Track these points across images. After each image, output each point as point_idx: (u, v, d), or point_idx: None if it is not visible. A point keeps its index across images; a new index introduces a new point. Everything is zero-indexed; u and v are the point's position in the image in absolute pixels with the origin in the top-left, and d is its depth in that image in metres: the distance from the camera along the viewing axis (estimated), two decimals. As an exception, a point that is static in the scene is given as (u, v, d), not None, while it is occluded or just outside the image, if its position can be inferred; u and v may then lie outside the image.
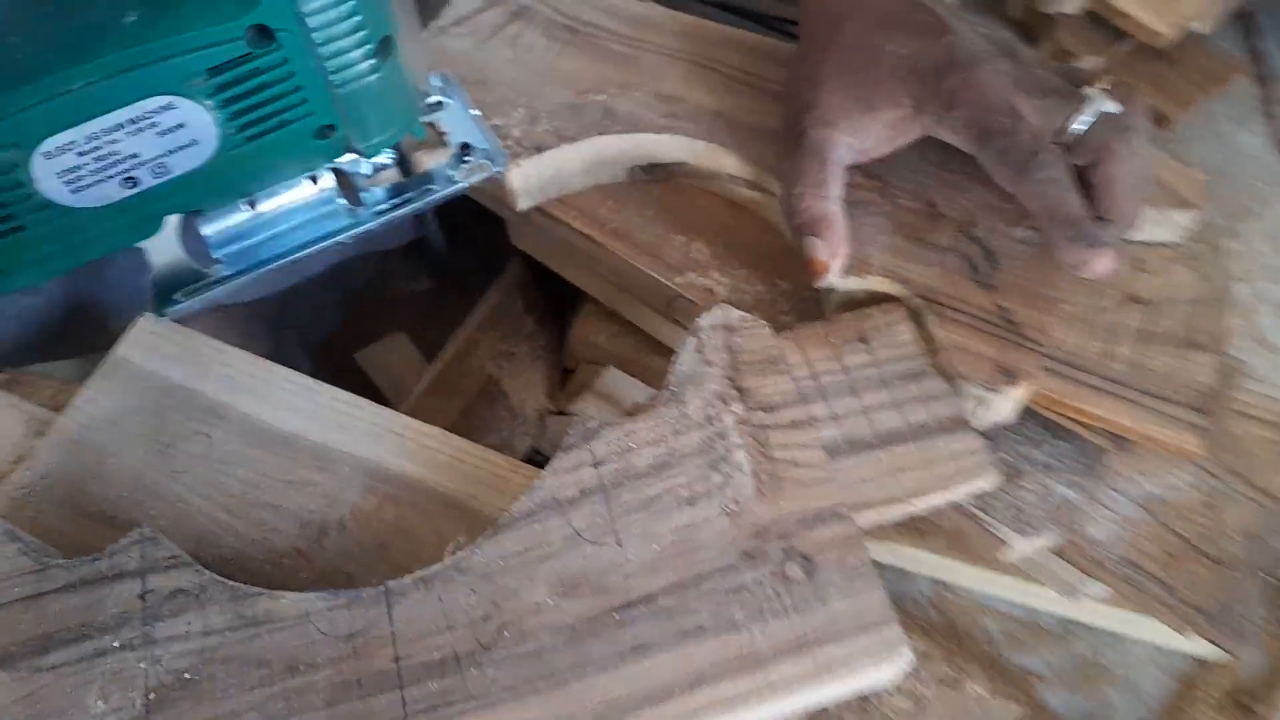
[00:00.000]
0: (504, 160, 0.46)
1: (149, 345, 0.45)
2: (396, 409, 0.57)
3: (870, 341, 0.40)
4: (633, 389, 0.54)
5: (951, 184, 0.44)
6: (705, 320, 0.40)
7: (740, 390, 0.38)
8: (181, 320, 0.53)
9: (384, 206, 0.46)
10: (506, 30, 0.52)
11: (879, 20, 0.42)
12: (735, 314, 0.41)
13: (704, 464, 0.37)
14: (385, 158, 0.46)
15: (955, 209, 0.43)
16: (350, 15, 0.36)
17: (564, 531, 0.36)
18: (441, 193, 0.46)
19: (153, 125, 0.36)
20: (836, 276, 0.41)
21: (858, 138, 0.42)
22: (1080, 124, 0.39)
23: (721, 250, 0.47)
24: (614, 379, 0.56)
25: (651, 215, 0.48)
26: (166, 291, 0.45)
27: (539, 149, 0.47)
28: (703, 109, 0.48)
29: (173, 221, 0.43)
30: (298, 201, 0.45)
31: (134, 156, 0.37)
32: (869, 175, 0.45)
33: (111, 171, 0.37)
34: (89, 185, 0.37)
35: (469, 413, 0.57)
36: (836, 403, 0.39)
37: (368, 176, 0.46)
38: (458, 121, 0.47)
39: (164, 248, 0.45)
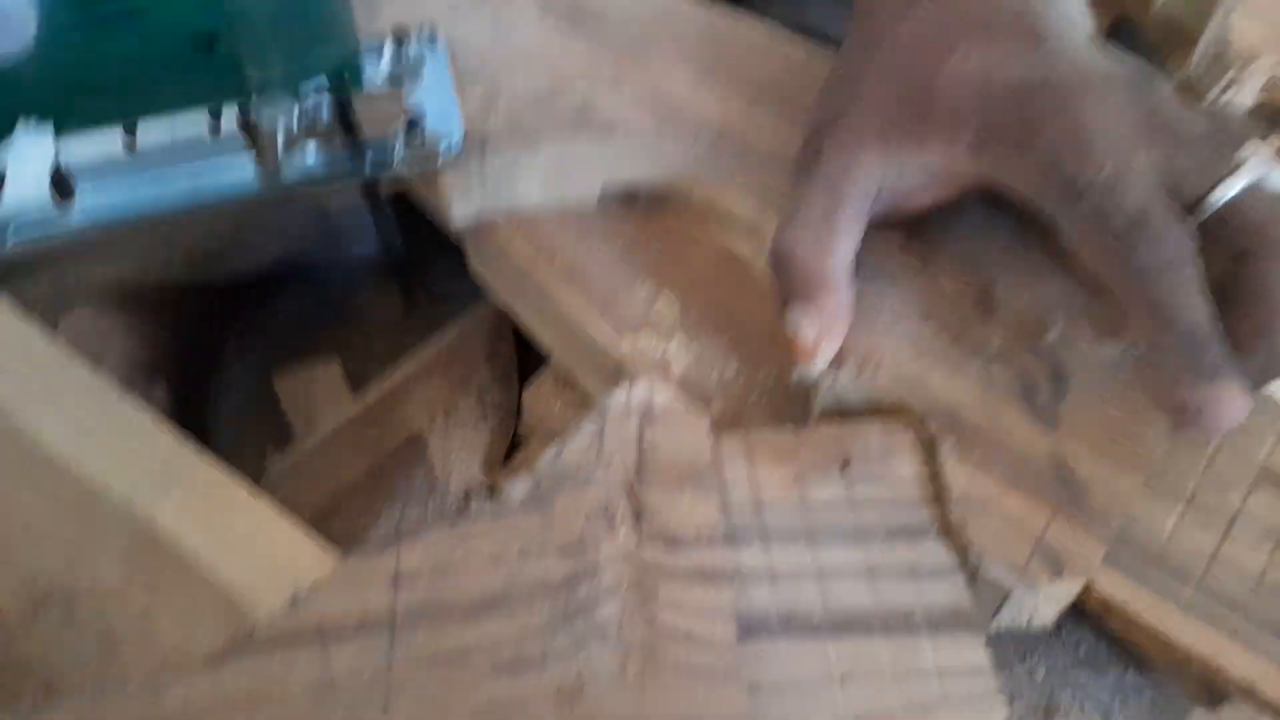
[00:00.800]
0: (456, 152, 0.35)
1: (-50, 318, 0.36)
2: (299, 450, 0.46)
3: (853, 469, 0.27)
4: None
5: (1022, 267, 0.31)
6: (617, 396, 0.28)
7: (639, 508, 0.26)
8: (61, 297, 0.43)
9: (306, 174, 0.36)
10: (495, -3, 0.42)
11: (953, 18, 0.30)
12: (663, 395, 0.28)
13: (552, 612, 0.24)
14: (320, 111, 0.37)
15: (1020, 302, 0.30)
16: None
17: (313, 673, 0.23)
18: (368, 173, 0.36)
19: None
20: (821, 366, 0.28)
21: (893, 173, 0.29)
22: (1229, 194, 0.26)
23: (695, 312, 0.35)
24: (557, 460, 0.44)
25: (617, 253, 0.36)
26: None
27: (484, 144, 0.36)
28: (706, 122, 0.36)
29: (48, 149, 0.34)
30: (188, 140, 0.35)
31: None
32: (907, 235, 0.32)
33: None
34: None
35: (379, 471, 0.45)
36: (780, 552, 0.26)
37: (292, 132, 0.36)
38: (426, 90, 0.37)
39: (26, 175, 0.36)
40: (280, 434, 0.50)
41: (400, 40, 0.38)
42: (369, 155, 0.36)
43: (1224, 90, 0.53)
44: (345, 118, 0.36)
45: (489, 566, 0.25)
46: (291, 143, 0.36)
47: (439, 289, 0.59)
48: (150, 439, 0.32)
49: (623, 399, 0.28)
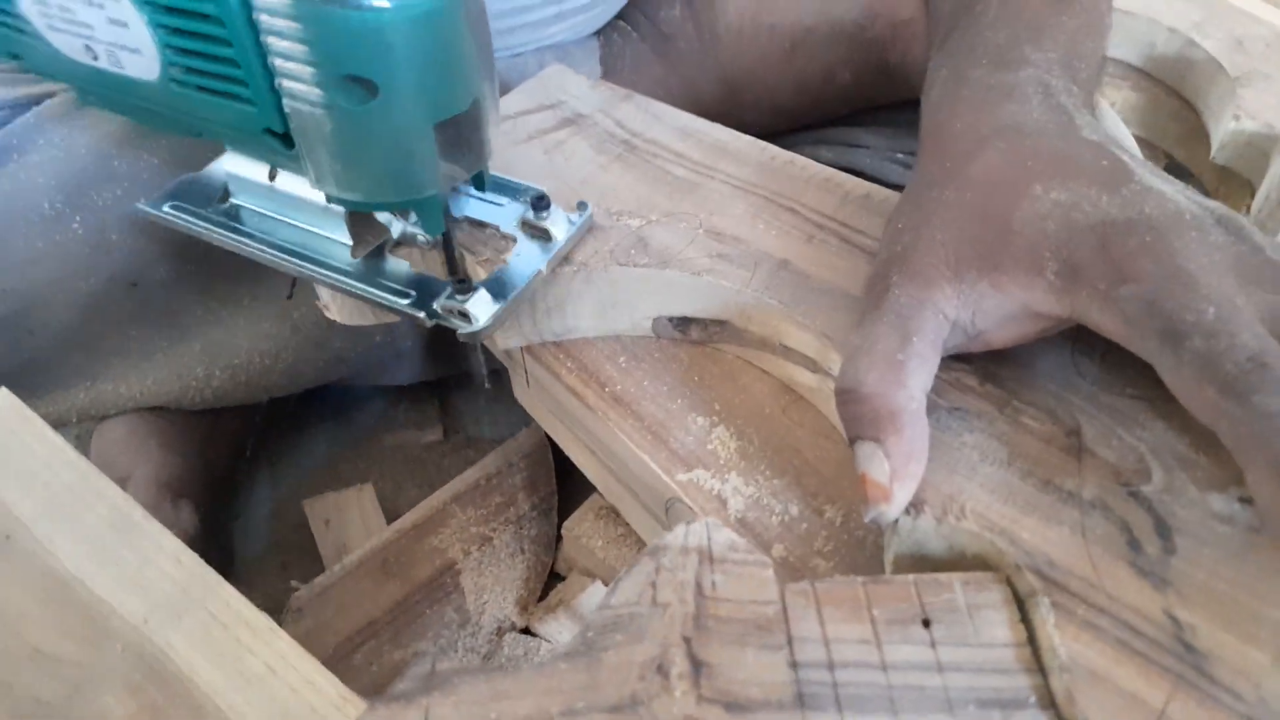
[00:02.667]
0: (479, 329, 0.33)
1: (-18, 426, 0.35)
2: (326, 578, 0.44)
3: (936, 628, 0.24)
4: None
5: (1115, 410, 0.29)
6: (675, 537, 0.26)
7: (697, 664, 0.23)
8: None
9: (386, 286, 0.35)
10: (551, 136, 0.42)
11: (1027, 157, 0.29)
12: (724, 536, 0.26)
13: (598, 781, 0.21)
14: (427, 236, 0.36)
15: (1115, 449, 0.27)
16: (300, 31, 0.26)
17: None
18: (403, 306, 0.34)
19: (100, 6, 0.31)
20: (897, 510, 0.26)
21: (968, 310, 0.28)
22: None
23: (754, 448, 0.33)
24: (598, 599, 0.41)
25: (670, 384, 0.35)
26: (174, 195, 0.38)
27: (538, 272, 0.35)
28: (765, 255, 0.35)
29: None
30: (312, 203, 0.35)
31: (88, 27, 0.33)
32: (983, 375, 0.30)
33: (72, 30, 0.33)
34: (59, 29, 0.34)
35: (407, 604, 0.43)
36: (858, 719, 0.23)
37: (395, 243, 0.37)
38: (524, 257, 0.35)
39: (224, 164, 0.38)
40: (308, 560, 0.48)
41: (539, 205, 0.35)
42: (418, 292, 0.34)
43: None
44: (449, 251, 0.34)
45: (530, 723, 0.22)
46: (387, 256, 0.36)
47: (480, 417, 0.58)
48: (169, 563, 0.30)
49: (679, 540, 0.26)
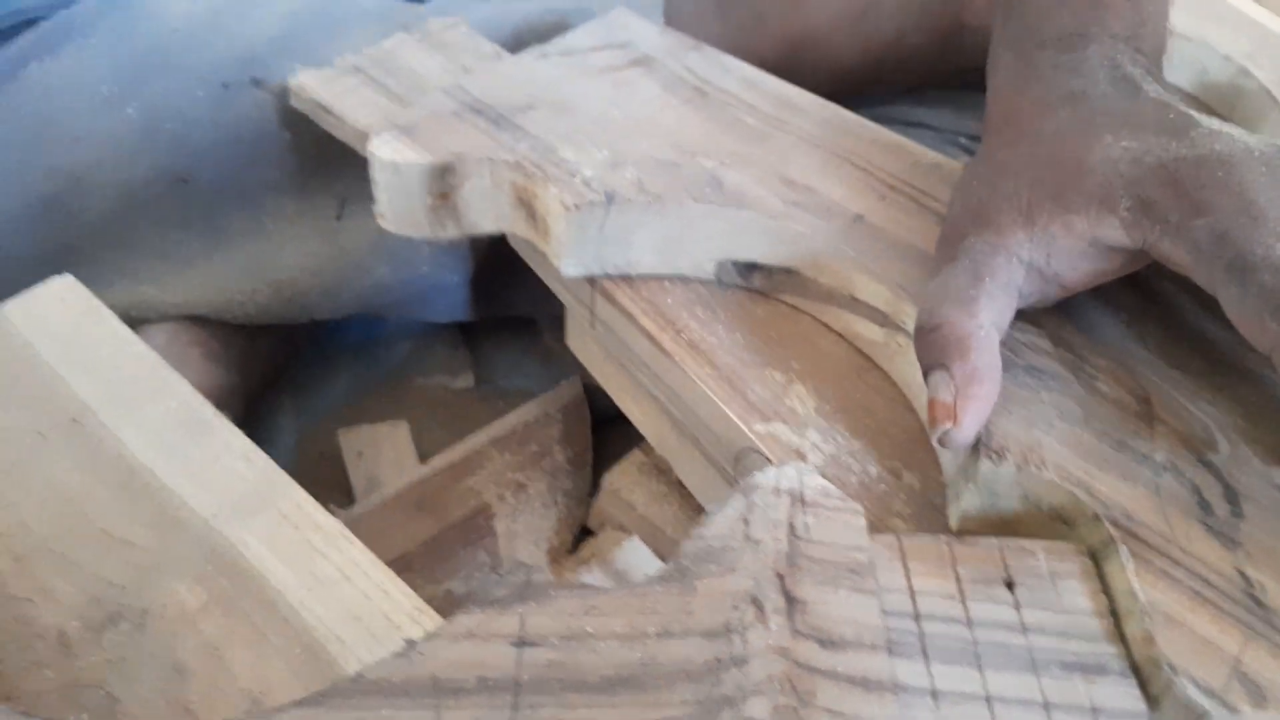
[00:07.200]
0: None
1: (45, 310, 0.34)
2: (359, 508, 0.44)
3: (1020, 590, 0.25)
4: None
5: (1179, 384, 0.29)
6: (767, 477, 0.26)
7: (791, 600, 0.23)
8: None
9: None
10: (620, 73, 0.42)
11: (1096, 115, 0.30)
12: (816, 481, 0.26)
13: (693, 700, 0.21)
14: None
15: (1182, 418, 0.28)
16: None
17: (423, 738, 0.20)
18: None
19: None
20: (966, 434, 0.26)
21: (1042, 253, 0.29)
22: None
23: (832, 409, 0.33)
24: (635, 555, 0.42)
25: (746, 337, 0.35)
26: None
27: (611, 198, 0.35)
28: (837, 207, 0.35)
29: None
30: None
31: None
32: (1055, 340, 0.31)
33: None
34: None
35: (439, 542, 0.43)
36: (944, 672, 0.23)
37: None
38: None
39: None
40: (336, 490, 0.48)
41: None
42: None
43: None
44: None
45: (626, 640, 0.22)
46: None
47: (511, 369, 0.57)
48: (239, 461, 0.30)
49: (771, 480, 0.26)
